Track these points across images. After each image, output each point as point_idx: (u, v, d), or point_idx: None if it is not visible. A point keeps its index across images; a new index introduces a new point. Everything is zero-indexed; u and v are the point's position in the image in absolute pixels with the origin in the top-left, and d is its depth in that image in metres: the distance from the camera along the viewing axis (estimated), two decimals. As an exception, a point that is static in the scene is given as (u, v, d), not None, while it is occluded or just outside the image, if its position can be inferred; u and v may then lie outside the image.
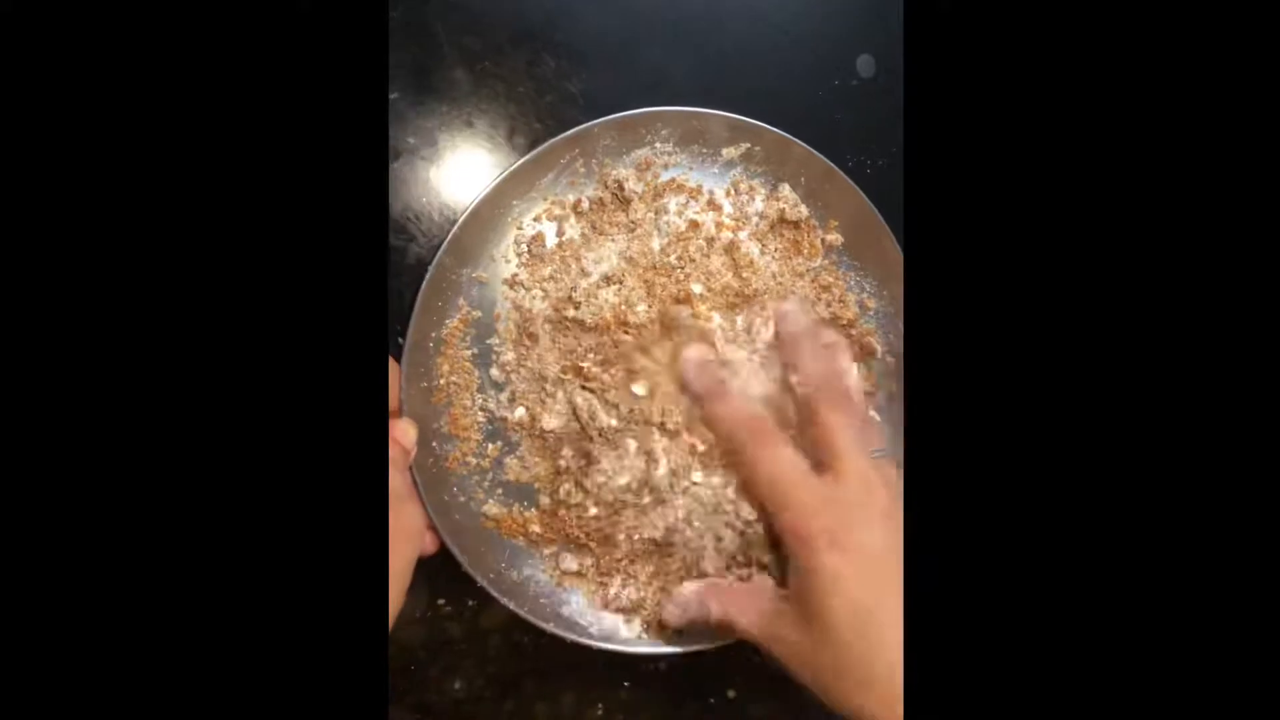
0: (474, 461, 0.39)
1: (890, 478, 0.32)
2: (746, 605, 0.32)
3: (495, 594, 0.37)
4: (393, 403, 0.37)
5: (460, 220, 0.39)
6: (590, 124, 0.40)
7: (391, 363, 0.37)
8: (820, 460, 0.32)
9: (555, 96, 0.43)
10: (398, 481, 0.33)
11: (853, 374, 0.36)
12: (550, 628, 0.37)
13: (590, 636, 0.38)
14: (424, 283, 0.38)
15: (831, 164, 0.41)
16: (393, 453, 0.33)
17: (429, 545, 0.37)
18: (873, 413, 0.40)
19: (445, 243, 0.38)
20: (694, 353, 0.36)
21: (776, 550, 0.35)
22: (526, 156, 0.39)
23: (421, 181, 0.41)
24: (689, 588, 0.35)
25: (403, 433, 0.35)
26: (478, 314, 0.40)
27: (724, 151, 0.42)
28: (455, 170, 0.42)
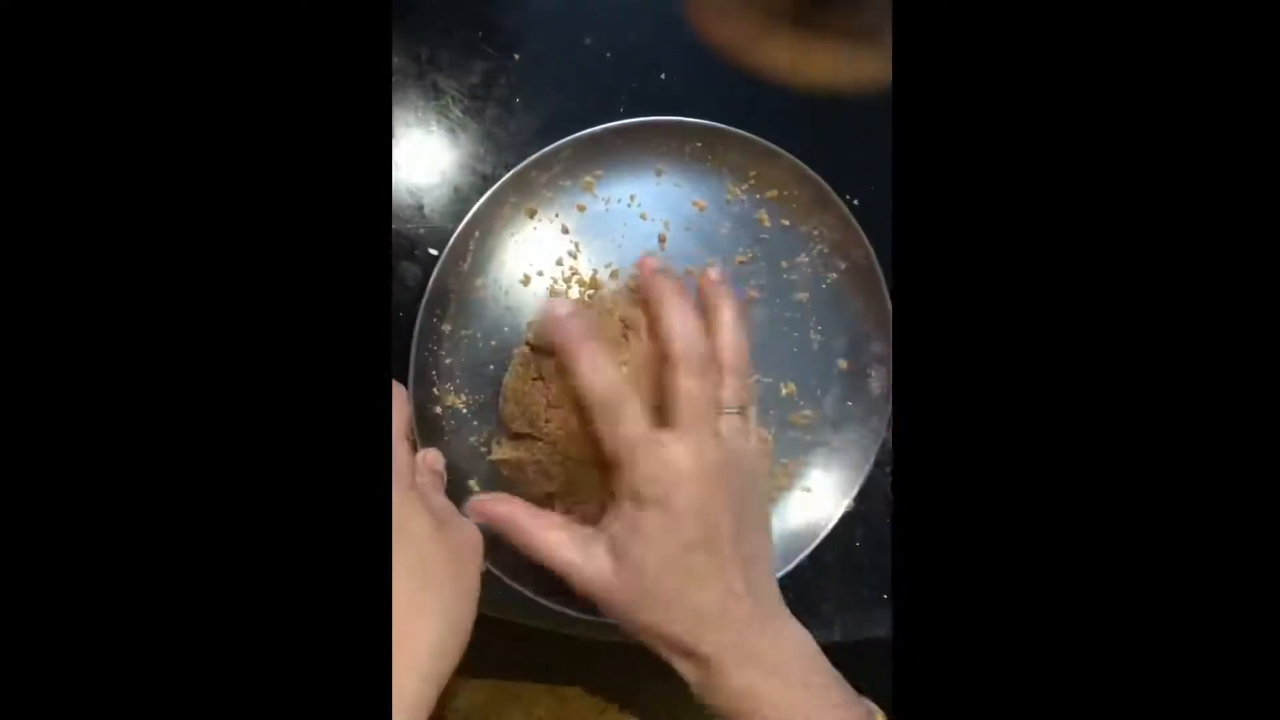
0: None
1: (733, 431, 0.33)
2: (551, 533, 0.32)
3: (499, 573, 0.37)
4: (404, 427, 0.35)
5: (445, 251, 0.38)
6: (565, 140, 0.39)
7: (397, 387, 0.36)
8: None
9: (519, 121, 0.41)
10: (442, 502, 0.33)
11: (730, 328, 0.35)
12: (554, 604, 0.37)
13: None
14: (421, 303, 0.37)
15: (819, 178, 0.41)
16: (430, 480, 0.34)
17: None
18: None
19: (438, 265, 0.38)
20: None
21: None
22: (503, 179, 0.38)
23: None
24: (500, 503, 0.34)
25: (435, 459, 0.36)
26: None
27: (706, 161, 0.41)
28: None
